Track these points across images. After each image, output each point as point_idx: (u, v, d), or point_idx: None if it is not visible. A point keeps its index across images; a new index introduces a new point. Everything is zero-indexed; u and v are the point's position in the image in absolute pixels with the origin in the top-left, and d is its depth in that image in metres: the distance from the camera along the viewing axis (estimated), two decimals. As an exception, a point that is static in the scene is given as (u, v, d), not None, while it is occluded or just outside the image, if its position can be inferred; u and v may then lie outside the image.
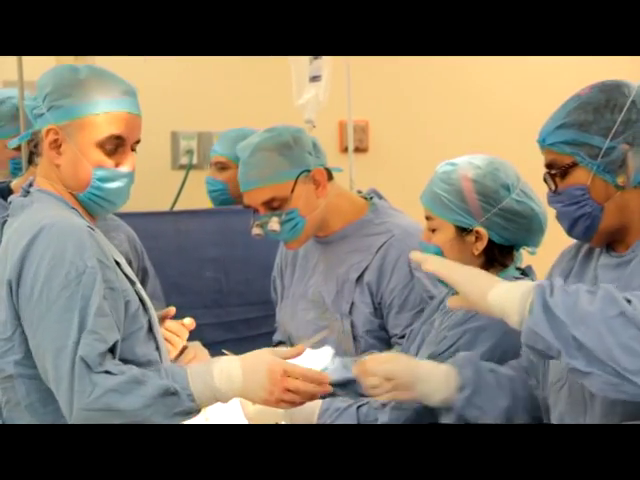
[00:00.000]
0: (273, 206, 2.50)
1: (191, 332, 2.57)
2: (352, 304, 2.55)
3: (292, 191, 2.50)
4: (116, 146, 1.96)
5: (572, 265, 1.90)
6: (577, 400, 1.76)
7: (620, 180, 1.76)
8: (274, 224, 2.50)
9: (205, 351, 2.59)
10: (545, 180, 1.84)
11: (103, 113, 1.95)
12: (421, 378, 1.92)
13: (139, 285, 2.01)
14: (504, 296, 1.67)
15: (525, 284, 1.68)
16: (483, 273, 1.79)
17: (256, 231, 2.56)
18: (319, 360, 2.36)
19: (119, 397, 1.80)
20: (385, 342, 2.51)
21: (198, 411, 1.89)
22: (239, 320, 3.18)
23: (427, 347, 2.16)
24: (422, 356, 2.15)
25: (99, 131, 1.95)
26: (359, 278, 2.56)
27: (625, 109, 1.75)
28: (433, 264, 1.80)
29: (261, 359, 1.94)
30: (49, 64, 2.90)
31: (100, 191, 1.97)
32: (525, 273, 2.22)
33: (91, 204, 2.00)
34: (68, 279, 1.83)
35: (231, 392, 1.90)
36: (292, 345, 2.66)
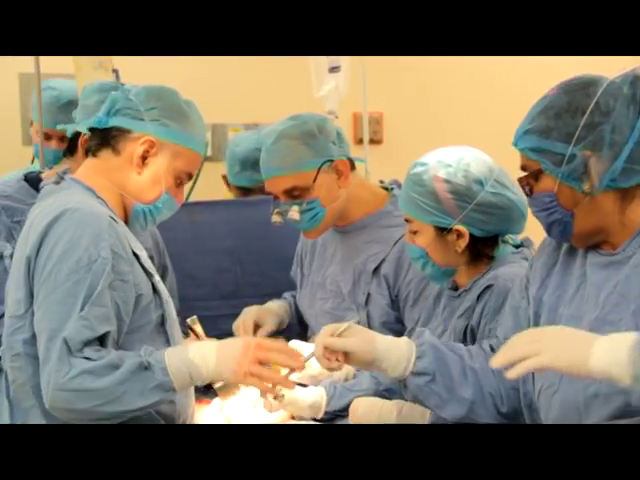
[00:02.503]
0: (294, 195, 2.50)
1: (206, 323, 2.59)
2: (368, 295, 2.55)
3: (314, 180, 2.49)
4: (183, 181, 2.11)
5: (555, 258, 1.86)
6: (571, 409, 1.72)
7: (586, 187, 1.70)
8: (294, 213, 2.50)
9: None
10: (519, 182, 1.81)
11: (195, 151, 2.10)
12: (379, 356, 1.86)
13: (157, 278, 2.03)
14: (608, 360, 1.50)
15: (626, 339, 1.50)
16: (573, 336, 1.58)
17: (276, 219, 2.55)
18: (312, 392, 2.36)
19: (93, 378, 1.83)
20: (401, 335, 2.49)
21: (174, 390, 1.89)
22: (254, 311, 3.18)
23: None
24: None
25: (185, 164, 2.08)
26: (376, 270, 2.55)
27: (587, 113, 1.69)
28: (523, 367, 1.56)
29: (237, 338, 1.97)
30: (65, 57, 2.92)
31: (157, 211, 2.08)
32: (524, 246, 2.22)
33: (140, 217, 2.08)
34: (79, 265, 1.87)
35: (204, 368, 1.90)
36: (313, 334, 2.66)
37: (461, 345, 1.97)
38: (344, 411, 2.31)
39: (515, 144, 1.78)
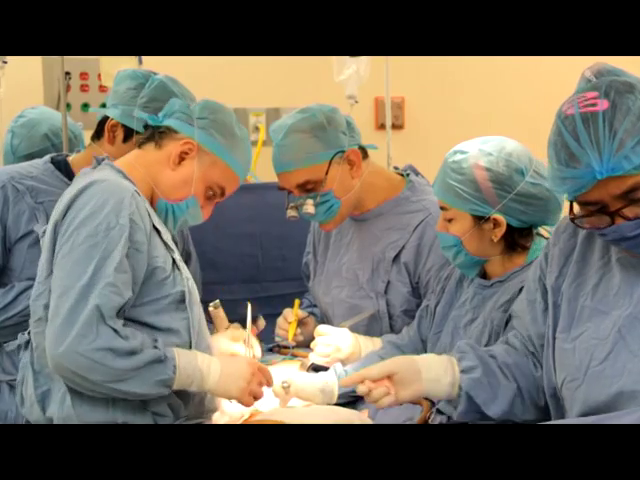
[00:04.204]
0: (307, 188, 2.49)
1: (227, 308, 2.60)
2: (388, 283, 2.54)
3: (326, 173, 2.47)
4: (214, 195, 2.18)
5: (572, 246, 1.84)
6: (595, 405, 1.71)
7: None
8: (309, 207, 2.49)
9: (243, 331, 2.62)
10: (616, 213, 1.65)
11: (233, 170, 2.17)
12: (422, 367, 1.87)
13: (178, 255, 2.08)
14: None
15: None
16: None
17: (291, 213, 2.55)
18: (321, 377, 2.36)
19: (114, 357, 1.88)
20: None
21: (170, 387, 1.95)
22: (275, 296, 3.19)
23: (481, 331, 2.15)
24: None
25: (219, 177, 2.16)
26: (396, 257, 2.54)
27: None
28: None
29: (238, 357, 2.11)
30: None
31: (180, 212, 2.14)
32: None
33: (162, 214, 2.14)
34: (97, 230, 1.93)
35: (209, 377, 2.00)
36: (328, 323, 2.66)
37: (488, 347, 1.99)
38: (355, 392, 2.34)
39: (612, 170, 1.61)
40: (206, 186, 2.15)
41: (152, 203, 2.12)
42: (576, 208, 1.72)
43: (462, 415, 1.90)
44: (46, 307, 1.95)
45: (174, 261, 2.06)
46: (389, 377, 1.85)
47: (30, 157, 2.95)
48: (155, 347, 1.93)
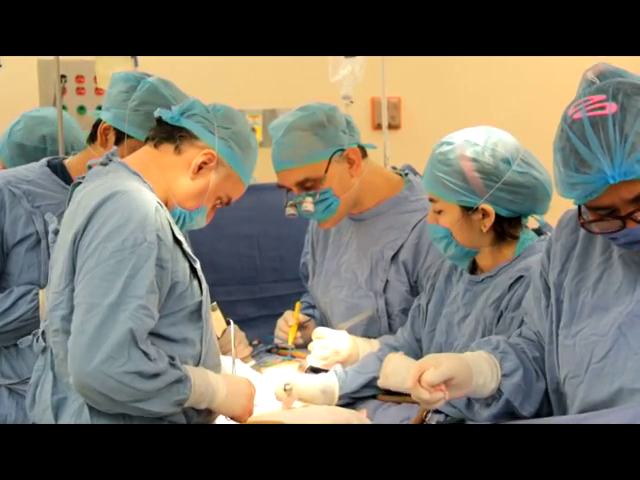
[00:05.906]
0: (307, 186, 2.49)
1: (225, 308, 2.61)
2: (386, 282, 2.54)
3: (326, 171, 2.48)
4: (220, 204, 2.17)
5: (574, 241, 1.84)
6: (595, 403, 1.71)
7: None
8: (308, 204, 2.49)
9: (242, 333, 2.62)
10: (627, 217, 1.63)
11: (243, 182, 2.17)
12: (475, 372, 1.84)
13: (199, 265, 2.05)
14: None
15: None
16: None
17: (290, 211, 2.55)
18: (322, 378, 2.36)
19: (142, 380, 1.85)
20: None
21: (183, 405, 1.94)
22: (273, 297, 3.20)
23: (476, 329, 2.15)
24: (471, 339, 2.12)
25: (231, 188, 2.15)
26: (394, 256, 2.54)
27: None
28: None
29: (238, 376, 2.15)
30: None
31: (190, 220, 2.11)
32: (542, 232, 2.21)
33: (174, 219, 2.08)
34: (124, 245, 1.88)
35: (217, 395, 2.00)
36: (327, 323, 2.66)
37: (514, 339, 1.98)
38: (357, 392, 2.33)
39: (625, 174, 1.59)
40: (217, 196, 2.14)
41: (165, 205, 2.07)
42: (584, 211, 1.70)
43: (493, 417, 1.90)
44: (64, 319, 1.92)
45: (194, 270, 2.02)
46: (445, 381, 1.81)
47: (22, 148, 2.94)
48: (173, 365, 1.92)
